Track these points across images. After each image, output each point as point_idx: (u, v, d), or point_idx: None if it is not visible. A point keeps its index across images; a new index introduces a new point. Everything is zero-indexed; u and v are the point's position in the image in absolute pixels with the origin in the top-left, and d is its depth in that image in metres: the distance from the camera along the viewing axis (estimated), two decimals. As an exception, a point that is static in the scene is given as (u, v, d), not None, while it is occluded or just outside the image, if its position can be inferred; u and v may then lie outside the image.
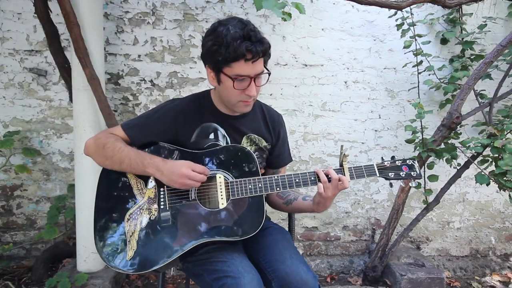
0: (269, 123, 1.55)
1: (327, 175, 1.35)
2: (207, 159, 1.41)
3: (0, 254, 2.52)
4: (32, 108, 2.59)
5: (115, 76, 2.63)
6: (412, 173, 1.43)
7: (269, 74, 1.36)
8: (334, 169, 1.36)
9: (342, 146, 1.41)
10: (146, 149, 1.41)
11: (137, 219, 1.34)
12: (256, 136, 1.51)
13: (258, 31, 1.29)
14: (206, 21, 2.64)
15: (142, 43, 2.61)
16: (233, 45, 1.23)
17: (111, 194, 1.38)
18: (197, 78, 2.67)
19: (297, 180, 1.38)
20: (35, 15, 2.26)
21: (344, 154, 1.37)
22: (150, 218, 1.34)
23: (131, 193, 1.38)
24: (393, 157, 1.46)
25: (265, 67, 1.35)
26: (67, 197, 2.56)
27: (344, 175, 1.36)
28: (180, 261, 1.43)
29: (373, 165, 1.41)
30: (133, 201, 1.36)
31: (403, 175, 1.42)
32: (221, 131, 1.46)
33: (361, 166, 1.40)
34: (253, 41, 1.25)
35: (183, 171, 1.29)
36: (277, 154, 1.59)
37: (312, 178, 1.38)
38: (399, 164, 1.44)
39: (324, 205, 1.40)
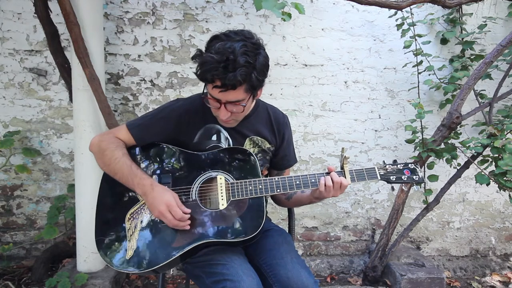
0: (274, 124, 1.54)
1: (331, 179, 1.35)
2: (208, 160, 1.41)
3: (0, 254, 2.52)
4: (32, 108, 2.59)
5: (115, 76, 2.63)
6: (414, 177, 1.42)
7: (244, 106, 1.30)
8: (335, 172, 1.37)
9: (343, 149, 1.40)
10: (149, 150, 1.42)
11: (138, 218, 1.34)
12: (259, 138, 1.51)
13: (245, 61, 1.20)
14: (206, 21, 2.65)
15: (142, 43, 2.61)
16: (203, 66, 1.22)
17: (113, 193, 1.39)
18: (197, 78, 2.66)
19: (297, 182, 1.38)
20: (35, 15, 2.26)
21: (345, 156, 1.37)
22: (150, 218, 1.34)
23: (132, 193, 1.38)
24: (395, 161, 1.45)
25: (253, 93, 1.30)
26: (67, 197, 2.56)
27: (345, 178, 1.37)
28: (180, 261, 1.43)
29: (374, 168, 1.41)
30: (135, 201, 1.37)
31: (405, 179, 1.41)
32: (224, 133, 1.46)
33: (362, 169, 1.40)
34: (225, 69, 1.19)
35: (161, 209, 1.27)
36: (282, 156, 1.59)
37: (313, 181, 1.38)
38: (401, 167, 1.43)
39: (322, 199, 1.44)
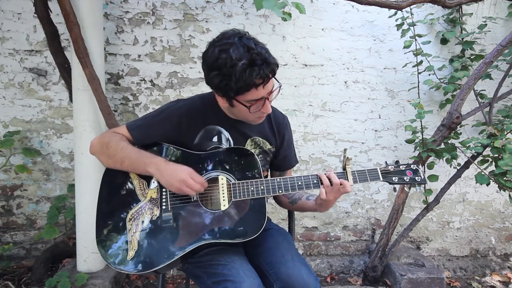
0: (274, 125, 1.54)
1: (329, 179, 1.34)
2: (209, 161, 1.41)
3: (0, 254, 2.52)
4: (32, 108, 2.59)
5: (115, 76, 2.63)
6: (416, 178, 1.41)
7: (280, 86, 1.34)
8: (336, 173, 1.36)
9: (345, 150, 1.39)
10: (150, 149, 1.41)
11: (139, 219, 1.34)
12: (261, 139, 1.51)
13: (261, 48, 1.23)
14: (206, 21, 2.65)
15: (142, 43, 2.61)
16: (242, 77, 1.19)
17: (114, 194, 1.38)
18: (197, 78, 2.67)
19: (299, 183, 1.38)
20: (35, 15, 2.26)
21: (347, 157, 1.37)
22: (152, 218, 1.34)
23: (133, 193, 1.38)
24: (397, 162, 1.44)
25: (274, 78, 1.31)
26: (67, 197, 2.56)
27: (347, 179, 1.36)
28: (180, 261, 1.43)
29: (376, 169, 1.40)
30: (136, 201, 1.36)
31: (407, 180, 1.41)
32: (225, 134, 1.46)
33: (365, 170, 1.40)
34: (259, 64, 1.20)
35: (182, 177, 1.28)
36: (282, 157, 1.58)
37: (315, 181, 1.37)
38: (403, 168, 1.42)
39: (326, 207, 1.41)
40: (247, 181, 1.36)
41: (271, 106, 1.57)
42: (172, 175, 1.29)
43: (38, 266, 2.42)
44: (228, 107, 1.37)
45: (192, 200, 1.36)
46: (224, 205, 1.34)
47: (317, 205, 1.43)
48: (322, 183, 1.35)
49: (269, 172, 1.65)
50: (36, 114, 2.60)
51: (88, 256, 2.28)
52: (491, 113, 2.56)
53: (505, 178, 2.18)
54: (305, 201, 1.51)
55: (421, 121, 2.49)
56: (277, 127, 1.54)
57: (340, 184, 1.33)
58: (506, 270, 2.97)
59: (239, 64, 1.19)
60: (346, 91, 2.83)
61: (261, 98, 1.28)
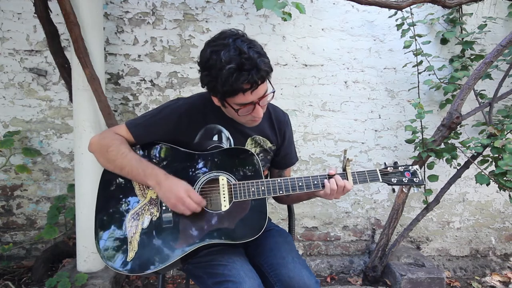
0: (275, 123, 1.54)
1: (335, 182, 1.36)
2: (209, 160, 1.40)
3: (0, 254, 2.53)
4: (32, 108, 2.59)
5: (115, 76, 2.63)
6: (414, 179, 1.44)
7: (274, 92, 1.32)
8: (338, 174, 1.38)
9: (345, 151, 1.41)
10: (149, 149, 1.41)
11: (139, 220, 1.33)
12: (261, 137, 1.50)
13: (254, 52, 1.20)
14: (206, 21, 2.65)
15: (142, 43, 2.61)
16: (228, 81, 1.18)
17: (113, 195, 1.38)
18: (197, 78, 2.67)
19: (300, 184, 1.38)
20: (35, 15, 2.26)
21: (348, 158, 1.39)
22: (151, 219, 1.33)
23: (133, 194, 1.37)
24: (396, 163, 1.47)
25: (269, 82, 1.30)
26: (67, 197, 2.57)
27: (347, 180, 1.38)
28: (181, 262, 1.43)
29: (376, 170, 1.42)
30: (135, 202, 1.36)
31: (406, 181, 1.43)
32: (225, 133, 1.45)
33: (364, 171, 1.42)
34: (248, 69, 1.18)
35: (180, 194, 1.27)
36: (283, 155, 1.59)
37: (315, 182, 1.39)
38: (402, 170, 1.45)
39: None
40: (248, 181, 1.36)
41: (272, 104, 1.58)
42: (170, 190, 1.28)
43: (38, 266, 2.42)
44: (221, 107, 1.38)
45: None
46: (225, 205, 1.34)
47: (313, 193, 1.44)
48: (328, 185, 1.37)
49: (269, 171, 1.65)
50: (36, 114, 2.60)
51: (88, 256, 2.28)
52: (491, 113, 2.56)
53: (505, 178, 2.18)
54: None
55: (421, 121, 2.49)
56: (278, 125, 1.54)
57: (344, 186, 1.36)
58: (506, 270, 2.97)
59: (226, 67, 1.18)
60: (346, 91, 2.83)
61: (251, 103, 1.27)
